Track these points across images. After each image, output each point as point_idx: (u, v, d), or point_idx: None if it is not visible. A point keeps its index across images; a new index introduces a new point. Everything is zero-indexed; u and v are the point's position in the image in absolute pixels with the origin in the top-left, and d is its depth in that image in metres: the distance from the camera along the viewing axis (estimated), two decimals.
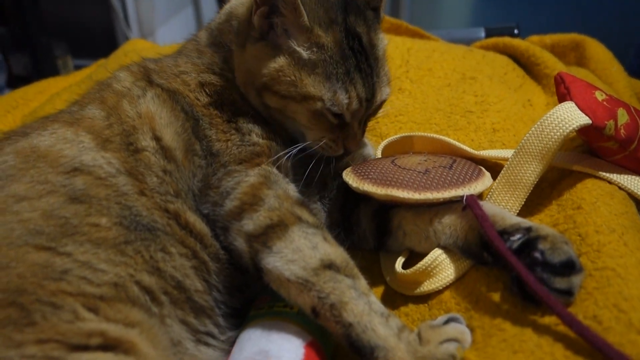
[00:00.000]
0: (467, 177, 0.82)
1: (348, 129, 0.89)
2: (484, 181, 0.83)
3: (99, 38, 2.94)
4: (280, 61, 0.84)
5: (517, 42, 1.37)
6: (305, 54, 0.83)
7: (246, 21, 0.89)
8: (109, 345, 0.62)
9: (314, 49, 0.83)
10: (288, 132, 0.91)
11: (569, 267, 0.66)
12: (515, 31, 1.60)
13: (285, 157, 0.86)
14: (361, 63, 0.85)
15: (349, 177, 0.88)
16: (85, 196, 0.74)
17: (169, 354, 0.71)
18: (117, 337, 0.63)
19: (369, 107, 0.89)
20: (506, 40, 1.41)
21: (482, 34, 1.63)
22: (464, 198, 0.78)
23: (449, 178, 0.82)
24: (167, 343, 0.72)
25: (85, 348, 0.61)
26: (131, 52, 1.54)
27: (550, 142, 0.79)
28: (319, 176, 0.93)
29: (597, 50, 1.39)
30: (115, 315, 0.66)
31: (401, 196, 0.80)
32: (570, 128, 0.78)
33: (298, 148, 0.87)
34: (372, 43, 0.88)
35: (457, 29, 1.69)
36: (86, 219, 0.72)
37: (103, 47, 2.00)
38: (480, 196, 0.86)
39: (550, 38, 1.48)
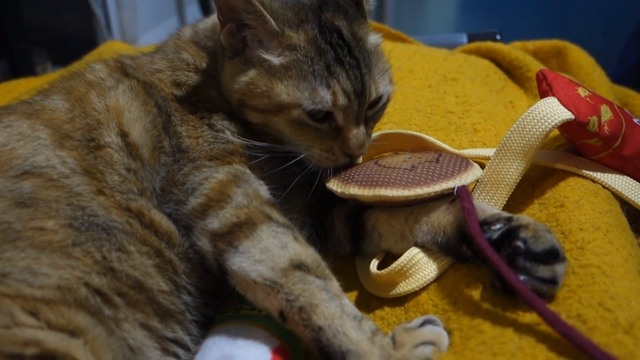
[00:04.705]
0: (456, 168, 0.79)
1: (344, 133, 0.82)
2: (474, 171, 0.80)
3: (81, 45, 2.89)
4: (251, 73, 0.81)
5: (499, 47, 1.36)
6: (276, 60, 0.80)
7: (220, 40, 0.86)
8: (45, 356, 0.58)
9: (286, 53, 0.80)
10: (286, 148, 0.85)
11: (553, 255, 0.63)
12: (498, 37, 1.59)
13: (264, 160, 0.82)
14: (343, 56, 0.80)
15: (333, 184, 0.83)
16: (32, 199, 0.70)
17: None
18: (54, 349, 0.58)
19: (362, 102, 0.82)
20: (488, 44, 1.40)
21: (465, 40, 1.62)
22: (455, 190, 0.74)
23: (437, 171, 0.78)
24: (120, 352, 0.67)
25: (19, 358, 0.56)
26: (107, 52, 1.49)
27: (533, 139, 0.77)
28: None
29: (579, 56, 1.38)
30: (57, 320, 0.62)
31: (390, 195, 0.76)
32: (553, 123, 0.76)
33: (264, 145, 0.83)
34: (356, 36, 0.84)
35: (439, 35, 1.68)
36: (30, 222, 0.68)
37: (84, 55, 1.96)
38: None
39: (532, 44, 1.48)
